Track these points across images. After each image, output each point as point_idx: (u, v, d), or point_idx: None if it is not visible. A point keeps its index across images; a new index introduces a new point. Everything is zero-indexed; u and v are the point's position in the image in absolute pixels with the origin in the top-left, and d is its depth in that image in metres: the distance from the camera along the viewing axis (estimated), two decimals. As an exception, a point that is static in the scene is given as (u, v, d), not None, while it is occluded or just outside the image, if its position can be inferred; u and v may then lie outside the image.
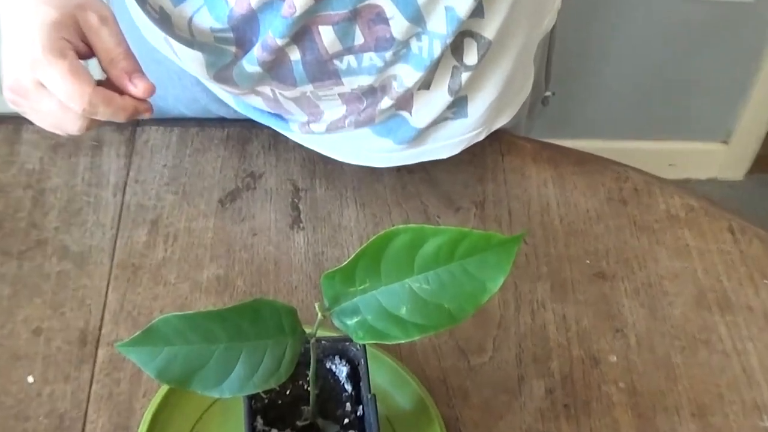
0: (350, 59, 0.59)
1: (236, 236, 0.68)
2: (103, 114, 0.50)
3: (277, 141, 0.74)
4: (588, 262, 0.68)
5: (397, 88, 0.61)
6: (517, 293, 0.66)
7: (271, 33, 0.56)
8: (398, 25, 0.57)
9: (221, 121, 0.75)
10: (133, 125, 0.74)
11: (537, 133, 0.83)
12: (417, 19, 0.57)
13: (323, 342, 0.52)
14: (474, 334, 0.63)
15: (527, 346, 0.63)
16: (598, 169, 0.74)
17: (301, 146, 0.72)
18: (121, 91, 0.51)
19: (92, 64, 0.52)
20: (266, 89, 0.63)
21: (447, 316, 0.45)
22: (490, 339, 0.63)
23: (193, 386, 0.44)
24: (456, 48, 0.61)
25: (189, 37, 0.60)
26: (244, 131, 0.75)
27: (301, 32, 0.57)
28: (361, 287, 0.45)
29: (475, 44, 0.60)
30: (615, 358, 0.63)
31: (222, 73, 0.62)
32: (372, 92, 0.63)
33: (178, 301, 0.64)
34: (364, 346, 0.52)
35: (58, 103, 0.49)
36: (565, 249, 0.69)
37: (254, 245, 0.68)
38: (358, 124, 0.65)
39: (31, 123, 0.53)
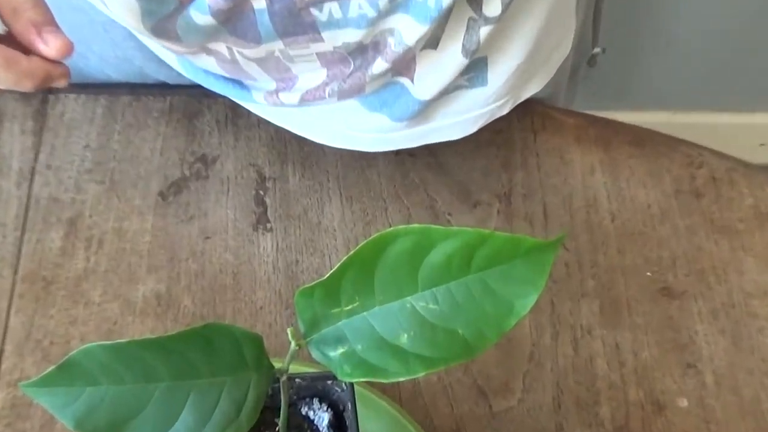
0: (333, 7, 0.60)
1: (182, 240, 0.68)
2: (3, 81, 0.50)
3: (236, 115, 0.74)
4: (649, 274, 0.69)
5: (395, 47, 0.62)
6: (555, 316, 0.66)
7: (228, -29, 0.57)
8: (397, -39, 0.57)
9: (162, 88, 0.76)
10: (45, 93, 0.74)
11: (581, 104, 0.83)
12: (422, -48, 0.57)
13: (298, 380, 0.52)
14: (497, 370, 0.64)
15: (568, 385, 0.64)
16: (663, 152, 0.75)
17: (267, 122, 0.72)
18: (28, 50, 0.51)
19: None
20: (221, 47, 0.63)
21: (462, 345, 0.45)
22: (518, 376, 0.64)
23: (126, 439, 0.44)
24: (473, -8, 0.61)
25: (118, -24, 0.60)
26: (192, 101, 0.75)
27: (268, -30, 0.57)
28: (348, 307, 0.45)
29: (498, -13, 0.61)
30: (686, 403, 0.63)
31: (162, 24, 0.62)
32: (361, 52, 0.63)
33: (104, 326, 0.64)
34: (352, 385, 0.52)
35: (-58, 66, 0.49)
36: (619, 257, 0.69)
37: (206, 252, 0.68)
38: (343, 95, 0.65)
39: None
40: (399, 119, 0.67)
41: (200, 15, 0.60)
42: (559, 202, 0.72)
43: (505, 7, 0.61)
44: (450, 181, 0.72)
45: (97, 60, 0.74)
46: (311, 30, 0.61)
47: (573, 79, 0.81)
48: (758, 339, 0.66)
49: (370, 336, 0.45)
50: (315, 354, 0.47)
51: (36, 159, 0.71)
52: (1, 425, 0.60)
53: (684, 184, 0.73)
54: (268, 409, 0.48)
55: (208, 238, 0.69)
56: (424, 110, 0.67)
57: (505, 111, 0.70)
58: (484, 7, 0.61)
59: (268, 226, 0.69)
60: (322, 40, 0.61)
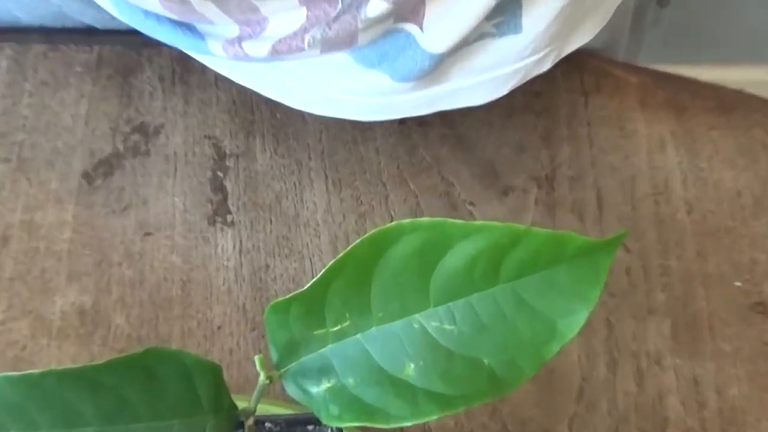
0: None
1: (114, 238, 0.68)
2: None
3: (186, 70, 0.74)
4: (739, 284, 0.69)
5: (399, -20, 0.62)
6: (612, 340, 0.67)
7: None
8: None
9: (88, 35, 0.75)
10: (-70, 41, 0.74)
11: (648, 57, 0.83)
12: None
13: (268, 425, 0.52)
14: (535, 412, 0.64)
15: (629, 433, 0.64)
16: (758, 120, 0.75)
17: (228, 81, 0.72)
18: None
19: None
20: (167, -22, 0.63)
21: (487, 379, 0.45)
22: (563, 420, 0.64)
23: (40, 502, 0.45)
24: None
25: None
26: (127, 53, 0.75)
27: None
28: (335, 328, 0.46)
29: None
30: (785, 455, 0.64)
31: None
32: (354, -15, 0.63)
33: (9, 351, 0.64)
34: (341, 431, 0.52)
35: None
36: (699, 261, 0.69)
37: (146, 254, 0.68)
38: (329, 45, 0.65)
39: None
40: (404, 79, 0.67)
41: (139, -64, 0.60)
42: (618, 187, 0.72)
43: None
44: (472, 159, 0.72)
45: (1, -3, 0.74)
46: (287, -43, 0.61)
47: (637, 24, 0.81)
48: None
49: (366, 366, 0.45)
50: (291, 390, 0.47)
51: None
52: None
53: (785, 165, 0.73)
54: (229, 462, 0.48)
55: (148, 234, 0.69)
56: (438, 67, 0.67)
57: (545, 67, 0.70)
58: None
59: (229, 218, 0.70)
60: (301, -30, 0.61)
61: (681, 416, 0.64)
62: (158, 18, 0.68)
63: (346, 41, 0.64)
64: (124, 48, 0.75)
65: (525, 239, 0.45)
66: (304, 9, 0.64)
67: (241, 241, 0.69)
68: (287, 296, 0.45)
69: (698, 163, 0.73)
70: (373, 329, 0.45)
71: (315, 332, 0.46)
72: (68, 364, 0.63)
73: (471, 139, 0.73)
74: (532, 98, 0.74)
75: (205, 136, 0.72)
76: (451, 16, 0.64)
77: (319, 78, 0.69)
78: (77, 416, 0.45)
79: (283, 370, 0.47)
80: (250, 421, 0.48)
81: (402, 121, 0.73)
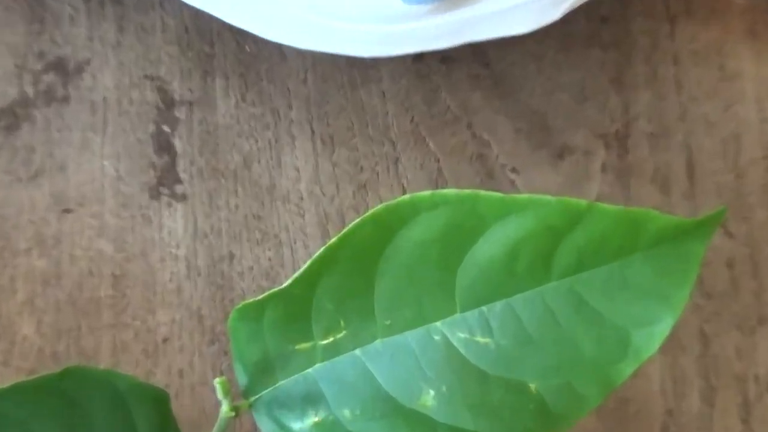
0: None
1: (20, 216, 0.69)
2: None
3: (119, -16, 0.74)
4: None
5: None
6: (709, 359, 0.67)
7: None
8: None
9: (-17, -65, 0.76)
10: None
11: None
12: None
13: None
14: (600, 459, 0.64)
15: (730, 486, 0.64)
16: None
17: (179, 1, 0.72)
18: None
19: None
20: None
21: (535, 410, 0.45)
22: (639, 470, 0.64)
23: None
24: None
25: None
26: (39, -40, 0.75)
27: None
28: (326, 341, 0.46)
29: None
30: None
31: None
32: None
33: None
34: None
35: None
36: (825, 251, 0.70)
37: (65, 238, 0.68)
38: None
39: None
40: (421, 0, 0.67)
41: None
42: (716, 148, 0.72)
43: None
44: (515, 109, 0.72)
45: None
46: None
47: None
48: None
49: (368, 393, 0.46)
50: (265, 425, 0.47)
51: None
52: None
53: None
54: None
55: (68, 211, 0.69)
56: (466, -18, 0.67)
57: (616, -19, 0.70)
58: None
59: (179, 190, 0.70)
60: None
61: (801, 464, 0.65)
62: None
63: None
64: (35, -46, 0.75)
65: (587, 219, 0.45)
66: None
67: (195, 222, 0.69)
68: (259, 297, 0.46)
69: (827, 115, 0.73)
70: (378, 342, 0.46)
71: (298, 346, 0.46)
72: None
73: (513, 81, 0.73)
74: (597, 26, 0.74)
75: (145, 77, 0.72)
76: None
77: (304, -2, 0.69)
78: (-30, 460, 0.45)
79: (253, 399, 0.47)
80: (208, 469, 0.48)
81: (418, 57, 0.73)
